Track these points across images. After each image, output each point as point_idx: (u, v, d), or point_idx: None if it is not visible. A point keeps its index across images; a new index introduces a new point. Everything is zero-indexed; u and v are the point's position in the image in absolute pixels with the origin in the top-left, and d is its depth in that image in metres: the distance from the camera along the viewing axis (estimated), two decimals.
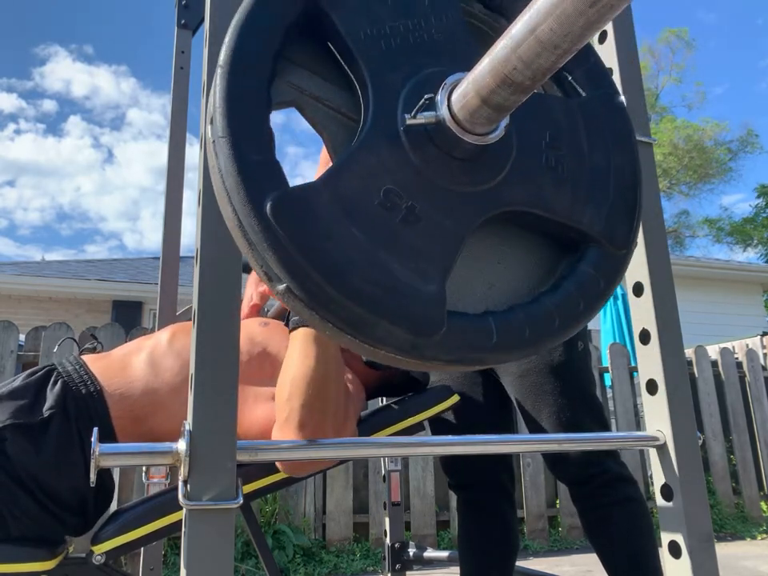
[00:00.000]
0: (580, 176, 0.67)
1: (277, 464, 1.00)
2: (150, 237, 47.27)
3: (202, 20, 2.16)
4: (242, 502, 0.60)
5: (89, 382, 1.09)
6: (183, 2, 2.17)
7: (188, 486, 0.60)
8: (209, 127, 0.58)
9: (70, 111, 44.55)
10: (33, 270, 8.92)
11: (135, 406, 1.09)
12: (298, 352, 0.97)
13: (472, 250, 0.65)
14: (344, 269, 0.53)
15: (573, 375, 1.34)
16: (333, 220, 0.54)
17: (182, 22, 2.17)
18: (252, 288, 1.47)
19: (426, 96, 0.58)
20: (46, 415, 1.03)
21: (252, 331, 1.22)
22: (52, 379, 1.10)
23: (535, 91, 0.56)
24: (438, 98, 0.58)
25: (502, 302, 0.65)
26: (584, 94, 0.72)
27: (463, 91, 0.55)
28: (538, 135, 0.67)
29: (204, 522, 0.60)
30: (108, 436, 1.07)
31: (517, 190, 0.63)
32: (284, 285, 0.54)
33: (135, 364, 1.14)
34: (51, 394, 1.07)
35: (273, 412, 0.99)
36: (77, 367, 1.12)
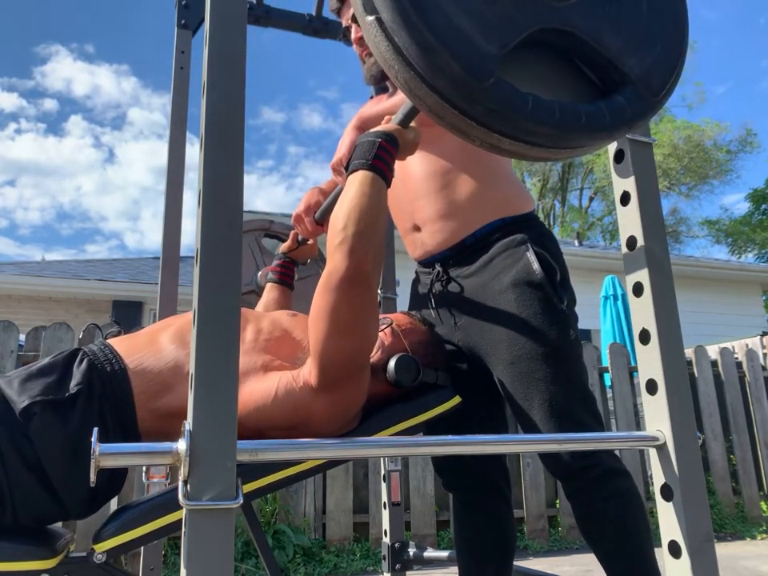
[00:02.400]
0: (634, 32, 0.79)
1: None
2: (150, 237, 47.22)
3: (202, 20, 2.17)
4: (242, 501, 0.60)
5: (113, 361, 1.12)
6: (183, 2, 2.18)
7: (188, 485, 0.60)
8: None
9: (70, 110, 44.42)
10: (33, 269, 8.92)
11: (159, 377, 1.11)
12: (355, 190, 1.09)
13: (525, 68, 0.76)
14: (429, 4, 0.67)
15: (565, 363, 1.31)
16: None
17: (182, 22, 2.17)
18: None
19: None
20: (73, 391, 1.06)
21: (279, 317, 1.29)
22: (78, 357, 1.12)
23: None
24: None
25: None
26: None
27: None
28: None
29: (204, 521, 0.60)
30: (128, 413, 1.09)
31: (580, 18, 0.77)
32: (374, 16, 0.68)
33: (163, 338, 1.18)
34: (78, 371, 1.09)
35: (274, 386, 1.09)
36: (102, 347, 1.15)
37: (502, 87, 0.69)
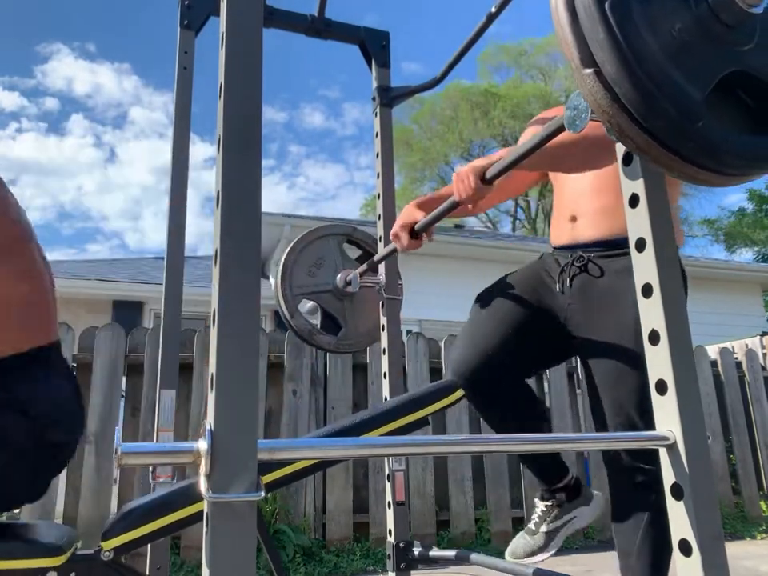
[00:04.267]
0: None
1: None
2: (151, 236, 47.12)
3: (205, 21, 2.17)
4: (263, 494, 0.62)
5: None
6: (186, 3, 2.18)
7: (210, 481, 0.61)
8: None
9: (72, 110, 44.28)
10: None
11: None
12: None
13: (712, 106, 0.80)
14: (646, 55, 0.74)
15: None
16: (643, 27, 0.74)
17: (185, 22, 2.17)
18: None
19: None
20: None
21: None
22: None
23: None
24: None
25: None
26: None
27: None
28: None
29: (227, 513, 0.60)
30: None
31: (757, 60, 0.83)
32: (591, 69, 0.75)
33: None
34: None
35: None
36: None
37: (709, 127, 0.76)
